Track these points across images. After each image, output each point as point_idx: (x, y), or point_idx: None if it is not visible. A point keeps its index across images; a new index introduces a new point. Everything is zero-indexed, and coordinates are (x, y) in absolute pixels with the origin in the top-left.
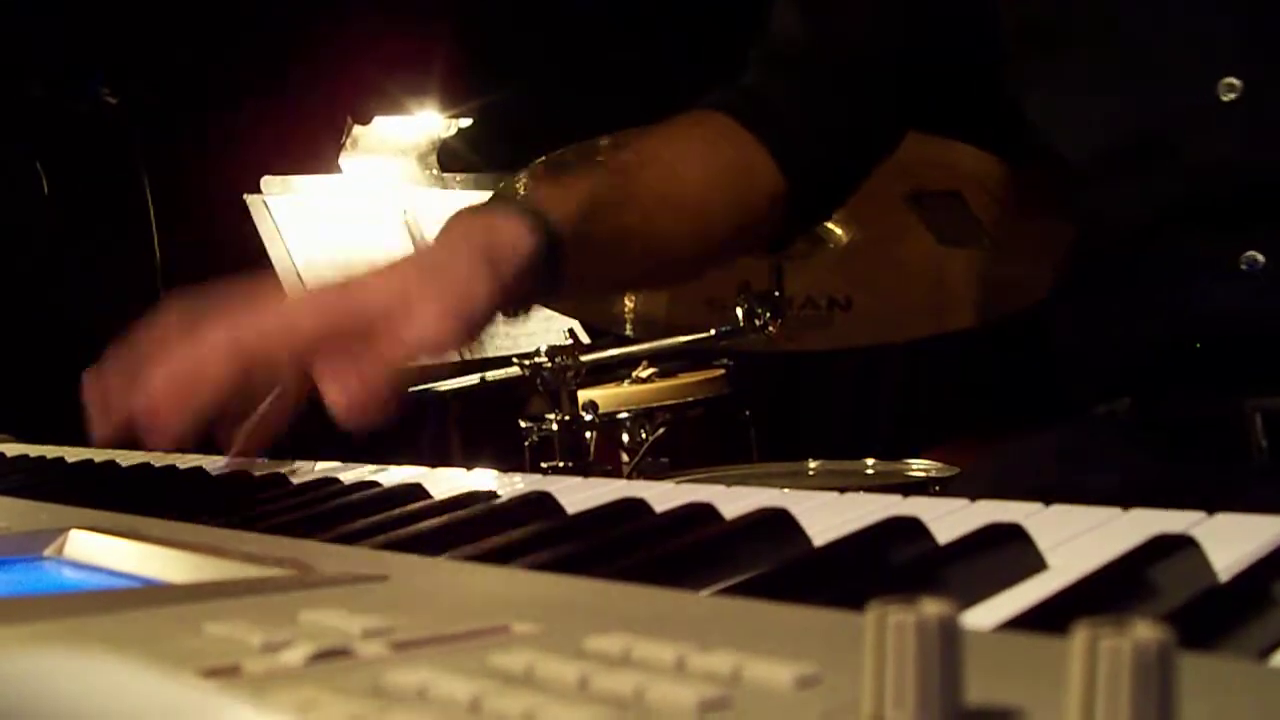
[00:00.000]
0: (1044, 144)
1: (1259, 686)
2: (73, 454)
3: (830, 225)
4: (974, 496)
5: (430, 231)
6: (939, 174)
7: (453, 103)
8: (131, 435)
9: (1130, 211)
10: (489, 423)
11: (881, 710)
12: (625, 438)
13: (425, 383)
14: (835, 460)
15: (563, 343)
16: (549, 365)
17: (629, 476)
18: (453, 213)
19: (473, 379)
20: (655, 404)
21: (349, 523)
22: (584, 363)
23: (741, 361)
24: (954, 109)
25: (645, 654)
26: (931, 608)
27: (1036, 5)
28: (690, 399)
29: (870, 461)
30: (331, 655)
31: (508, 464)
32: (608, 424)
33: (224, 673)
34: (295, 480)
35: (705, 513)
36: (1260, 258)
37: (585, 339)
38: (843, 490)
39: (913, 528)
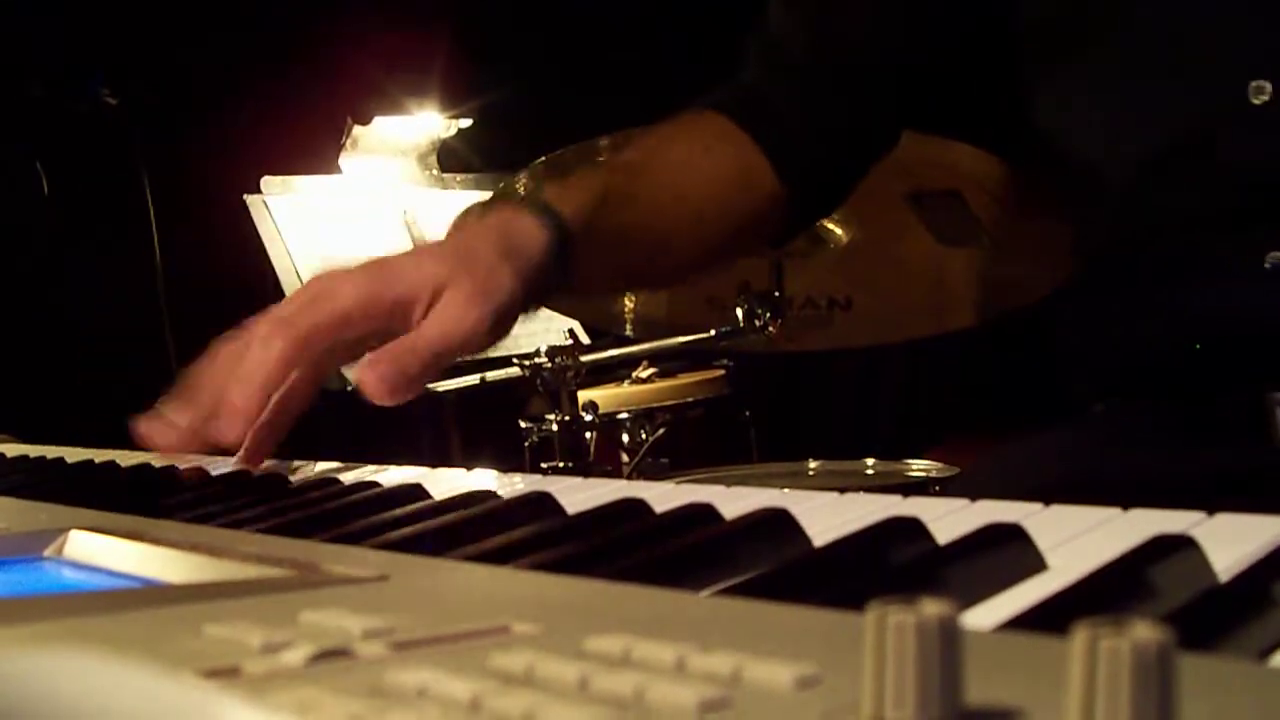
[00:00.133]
0: (1054, 145)
1: (1259, 687)
2: (73, 454)
3: (830, 225)
4: (974, 496)
5: (430, 231)
6: (938, 174)
7: (453, 103)
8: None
9: (1156, 213)
10: (489, 423)
11: (882, 711)
12: (625, 438)
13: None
14: (835, 460)
15: (563, 343)
16: (549, 365)
17: (629, 477)
18: (463, 208)
19: (473, 379)
20: (655, 404)
21: (349, 523)
22: (584, 363)
23: (741, 362)
24: (953, 109)
25: (645, 654)
26: (931, 608)
27: (1056, 7)
28: (690, 399)
29: (870, 462)
30: (331, 655)
31: (508, 464)
32: (608, 424)
33: (224, 673)
34: (295, 480)
35: (705, 513)
36: None
37: (585, 339)
38: (843, 490)
39: (913, 528)
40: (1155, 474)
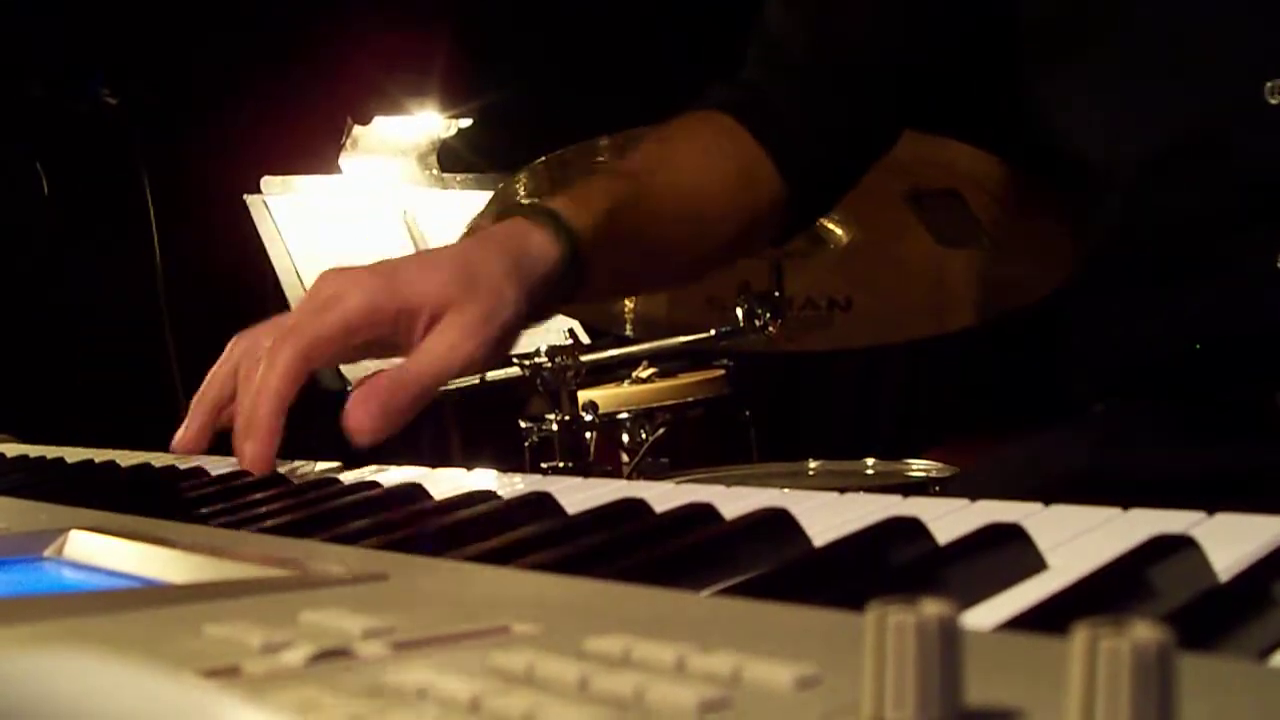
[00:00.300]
0: (1055, 146)
1: (1259, 687)
2: (73, 454)
3: (830, 225)
4: (974, 496)
5: (430, 231)
6: (938, 173)
7: (453, 103)
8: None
9: (1159, 213)
10: (489, 423)
11: (882, 711)
12: (625, 438)
13: None
14: (835, 460)
15: (563, 343)
16: (549, 365)
17: (629, 477)
18: (476, 213)
19: (473, 379)
20: (655, 404)
21: (349, 523)
22: (584, 363)
23: (742, 362)
24: (953, 109)
25: (645, 654)
26: (931, 608)
27: (1057, 7)
28: (690, 399)
29: (870, 462)
30: (332, 655)
31: (508, 464)
32: (608, 424)
33: (224, 673)
34: (295, 480)
35: (705, 513)
36: None
37: (585, 339)
38: (843, 490)
39: (913, 528)
40: (1155, 474)
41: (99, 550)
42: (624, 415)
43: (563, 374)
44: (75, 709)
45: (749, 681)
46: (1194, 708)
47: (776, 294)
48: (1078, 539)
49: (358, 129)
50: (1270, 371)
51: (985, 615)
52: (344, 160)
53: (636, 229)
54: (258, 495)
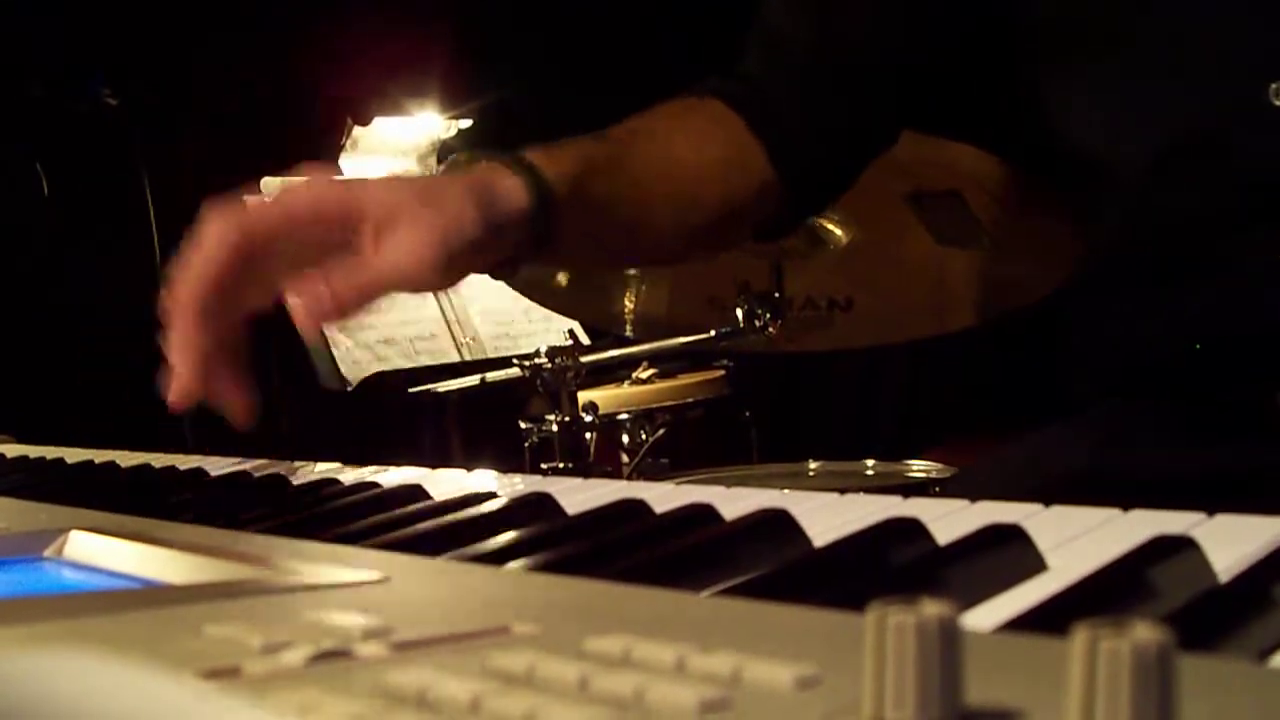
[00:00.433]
0: (1056, 146)
1: (1259, 687)
2: (73, 454)
3: (830, 225)
4: (974, 496)
5: None
6: (938, 174)
7: (453, 103)
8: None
9: (1161, 213)
10: (489, 424)
11: (882, 711)
12: (625, 439)
13: (425, 383)
14: (835, 461)
15: (563, 343)
16: (549, 366)
17: (629, 477)
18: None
19: (473, 379)
20: (655, 405)
21: (349, 523)
22: (584, 363)
23: (742, 362)
24: (954, 109)
25: (645, 655)
26: (931, 609)
27: (1057, 7)
28: (690, 400)
29: (870, 462)
30: (332, 656)
31: (508, 465)
32: (608, 425)
33: (224, 674)
34: (295, 480)
35: (705, 514)
36: None
37: (585, 340)
38: (843, 491)
39: (913, 528)
40: (1155, 474)
41: (99, 550)
42: (624, 416)
43: (563, 375)
44: (75, 709)
45: (749, 682)
46: (1194, 708)
47: (776, 294)
48: (1078, 539)
49: (358, 129)
50: (1270, 371)
51: (985, 616)
52: (344, 160)
53: (615, 193)
54: (258, 495)
